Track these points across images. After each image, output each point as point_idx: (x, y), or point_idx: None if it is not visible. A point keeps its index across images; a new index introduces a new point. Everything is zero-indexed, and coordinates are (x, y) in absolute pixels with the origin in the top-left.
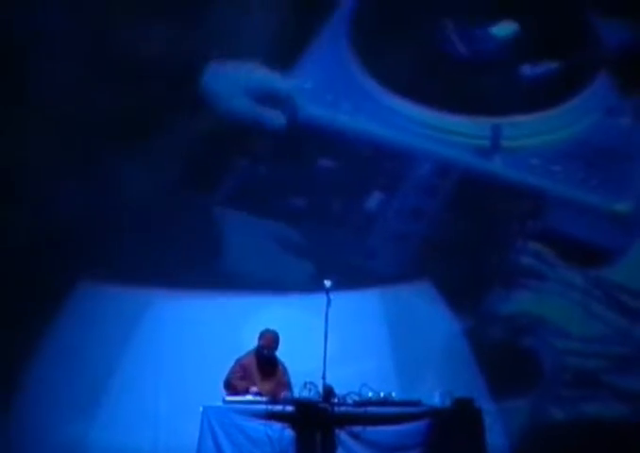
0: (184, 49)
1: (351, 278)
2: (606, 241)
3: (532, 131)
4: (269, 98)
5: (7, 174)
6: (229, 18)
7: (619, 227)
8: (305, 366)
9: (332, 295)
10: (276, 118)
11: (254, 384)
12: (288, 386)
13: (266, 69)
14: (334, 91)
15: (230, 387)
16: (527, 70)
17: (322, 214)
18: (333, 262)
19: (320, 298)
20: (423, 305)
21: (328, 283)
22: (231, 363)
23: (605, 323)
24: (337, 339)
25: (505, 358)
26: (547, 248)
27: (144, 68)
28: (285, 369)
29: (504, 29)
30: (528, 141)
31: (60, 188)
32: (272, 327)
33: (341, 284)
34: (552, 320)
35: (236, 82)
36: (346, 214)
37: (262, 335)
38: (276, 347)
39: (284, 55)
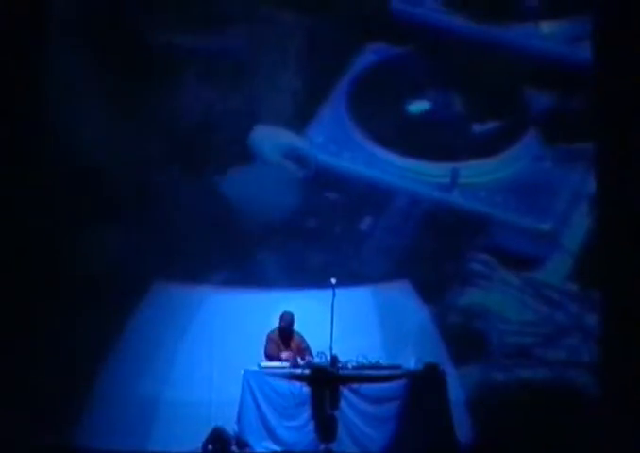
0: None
1: (349, 279)
2: (534, 251)
3: (481, 172)
4: (295, 156)
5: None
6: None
7: (543, 242)
8: (317, 341)
9: (337, 290)
10: (297, 171)
11: (282, 351)
12: (308, 350)
13: (292, 133)
14: (337, 143)
15: (268, 355)
16: (477, 127)
17: (328, 233)
18: (336, 268)
19: (328, 292)
20: (403, 298)
21: (333, 281)
22: (264, 339)
23: (534, 311)
24: (340, 322)
25: (462, 336)
26: (491, 257)
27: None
28: (303, 338)
29: (418, 107)
30: (477, 179)
31: (143, 218)
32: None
33: (342, 283)
34: (495, 309)
35: (274, 142)
36: (346, 233)
37: (282, 317)
38: (292, 324)
39: (301, 119)
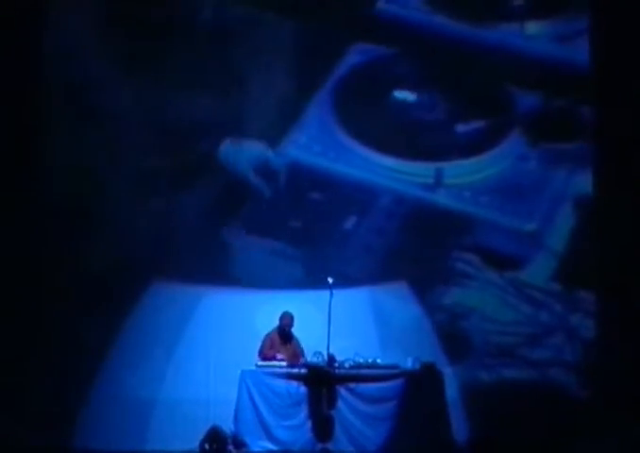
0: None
1: (335, 279)
2: (518, 251)
3: (465, 172)
4: (263, 172)
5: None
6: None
7: (527, 242)
8: (314, 341)
9: (334, 291)
10: (264, 189)
11: (278, 351)
12: (302, 354)
13: (264, 146)
14: (321, 143)
15: (262, 354)
16: (461, 127)
17: (313, 232)
18: (320, 268)
19: (322, 293)
20: (398, 298)
21: (330, 280)
22: (261, 338)
23: (517, 310)
24: (337, 322)
25: (446, 336)
26: (475, 257)
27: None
28: (299, 342)
29: (403, 95)
30: (462, 179)
31: (138, 220)
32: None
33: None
34: (480, 309)
35: (242, 156)
36: (330, 232)
37: (283, 316)
38: (292, 324)
39: (286, 119)
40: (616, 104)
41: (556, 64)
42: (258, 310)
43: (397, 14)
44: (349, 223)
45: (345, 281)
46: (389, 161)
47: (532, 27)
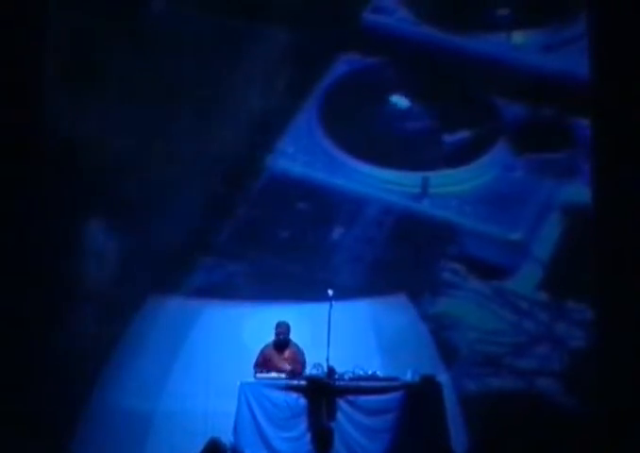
0: None
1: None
2: (503, 261)
3: (451, 181)
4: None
5: None
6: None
7: (513, 251)
8: (314, 352)
9: (334, 303)
10: (250, 199)
11: (273, 366)
12: (303, 364)
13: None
14: (308, 154)
15: (257, 368)
16: (447, 137)
17: (300, 243)
18: (307, 279)
19: (321, 306)
20: (397, 310)
21: (330, 292)
22: (257, 352)
23: (503, 320)
24: (337, 334)
25: (433, 345)
26: (461, 266)
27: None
28: (300, 350)
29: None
30: (448, 188)
31: (138, 231)
32: (291, 325)
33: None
34: (466, 318)
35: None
36: (317, 242)
37: (278, 325)
38: (287, 332)
39: (274, 129)
40: (613, 112)
41: (542, 74)
42: (257, 324)
43: (384, 24)
44: (336, 233)
45: (334, 291)
46: (375, 171)
47: (518, 37)
